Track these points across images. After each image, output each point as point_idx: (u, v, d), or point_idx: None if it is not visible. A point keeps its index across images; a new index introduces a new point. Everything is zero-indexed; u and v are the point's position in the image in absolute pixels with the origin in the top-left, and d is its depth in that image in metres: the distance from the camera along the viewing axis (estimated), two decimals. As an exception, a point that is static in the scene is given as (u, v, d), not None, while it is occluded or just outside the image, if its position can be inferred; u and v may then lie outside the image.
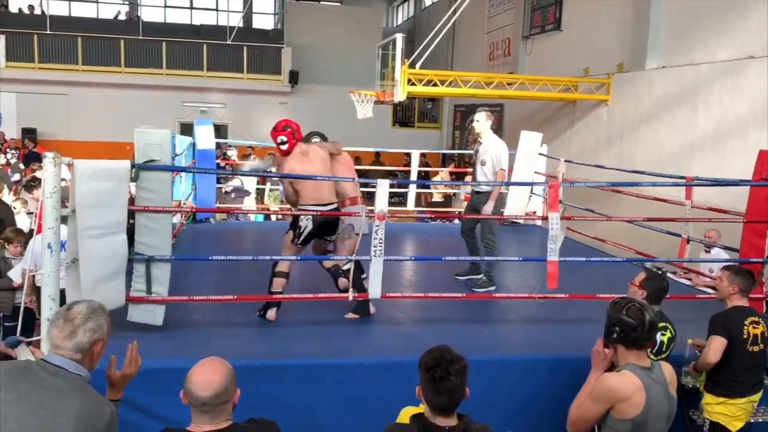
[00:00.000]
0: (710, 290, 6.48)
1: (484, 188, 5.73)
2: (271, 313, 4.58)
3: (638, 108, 10.44)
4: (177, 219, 7.41)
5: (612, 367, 2.86)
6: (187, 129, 14.37)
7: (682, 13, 9.76)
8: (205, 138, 8.05)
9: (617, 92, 11.09)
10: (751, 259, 4.97)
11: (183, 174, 7.59)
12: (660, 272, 3.88)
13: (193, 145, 8.05)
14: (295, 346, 4.10)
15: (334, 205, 4.76)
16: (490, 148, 5.91)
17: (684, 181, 6.28)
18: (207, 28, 21.77)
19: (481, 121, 6.00)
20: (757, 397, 3.84)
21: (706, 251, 6.88)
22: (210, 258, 4.78)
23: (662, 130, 9.86)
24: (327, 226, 4.71)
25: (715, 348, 3.63)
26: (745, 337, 3.66)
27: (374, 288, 4.46)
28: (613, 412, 2.62)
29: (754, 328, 3.69)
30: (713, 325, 3.72)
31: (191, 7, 25.35)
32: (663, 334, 3.55)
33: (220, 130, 17.57)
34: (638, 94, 10.48)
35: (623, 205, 8.61)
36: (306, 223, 4.62)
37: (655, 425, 2.63)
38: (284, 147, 4.70)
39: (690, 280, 6.94)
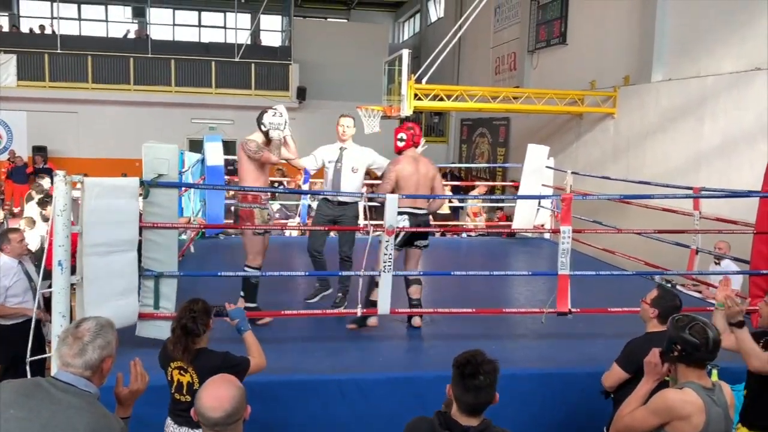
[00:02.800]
0: (721, 303, 6.44)
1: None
2: (373, 320, 4.78)
3: (645, 120, 10.44)
4: (186, 235, 7.44)
5: (664, 382, 2.78)
6: (196, 145, 14.49)
7: (687, 25, 9.78)
8: (215, 154, 8.10)
9: (624, 105, 11.09)
10: (761, 270, 4.94)
11: (192, 190, 7.63)
12: (672, 289, 3.78)
13: (203, 161, 8.10)
14: (304, 362, 4.10)
15: (428, 214, 5.02)
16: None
17: (693, 192, 6.27)
18: (215, 45, 21.98)
19: (351, 126, 5.42)
20: None
21: (716, 263, 6.85)
22: (218, 274, 4.79)
23: (669, 142, 9.84)
24: (420, 231, 4.89)
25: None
26: None
27: (383, 303, 4.46)
28: (669, 428, 2.54)
29: None
30: None
31: (200, 25, 25.61)
32: None
33: (229, 147, 17.68)
34: (644, 106, 10.47)
35: (631, 216, 8.60)
36: (404, 222, 4.76)
37: None
38: (401, 144, 5.00)
39: (700, 292, 6.90)
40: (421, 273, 5.88)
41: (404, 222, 4.78)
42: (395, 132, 5.06)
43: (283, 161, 5.07)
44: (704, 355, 2.57)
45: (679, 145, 9.59)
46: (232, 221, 5.29)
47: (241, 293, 4.80)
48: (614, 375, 3.29)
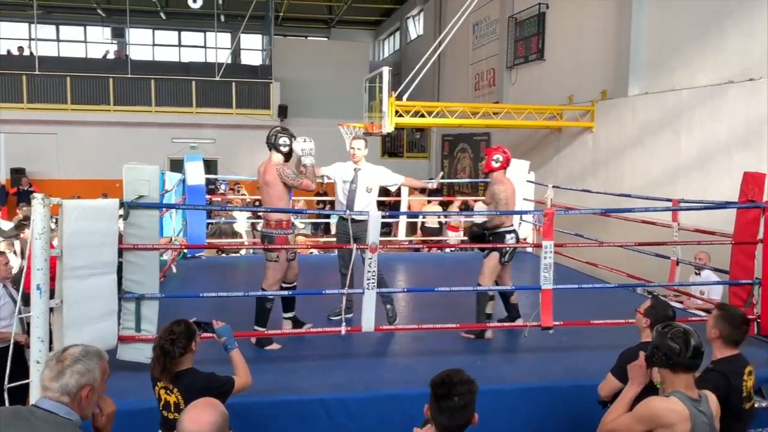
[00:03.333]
0: (702, 313, 6.51)
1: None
2: (489, 333, 5.09)
3: (623, 134, 10.58)
4: (168, 255, 7.38)
5: (651, 387, 2.82)
6: (177, 165, 14.41)
7: (662, 40, 9.97)
8: (195, 174, 8.07)
9: (601, 119, 11.24)
10: (740, 280, 5.01)
11: (173, 210, 7.58)
12: (665, 300, 3.79)
13: (184, 181, 8.06)
14: (288, 382, 4.07)
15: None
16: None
17: (672, 204, 6.36)
18: (195, 65, 21.98)
19: (363, 149, 5.59)
20: None
21: (697, 273, 6.92)
22: (201, 295, 4.75)
23: (647, 155, 9.98)
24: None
25: None
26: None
27: (368, 321, 4.45)
28: None
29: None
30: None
31: (179, 45, 25.61)
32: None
33: (210, 166, 17.62)
34: (622, 120, 10.62)
35: (611, 229, 8.68)
36: (512, 240, 5.22)
37: None
38: (496, 165, 5.35)
39: (681, 303, 6.97)
40: (405, 290, 5.88)
41: (512, 239, 5.25)
42: (489, 153, 5.41)
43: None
44: (685, 360, 2.60)
45: (657, 157, 9.72)
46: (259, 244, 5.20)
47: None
48: (609, 384, 3.33)
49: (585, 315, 5.10)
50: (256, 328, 4.73)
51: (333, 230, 10.84)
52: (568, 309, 5.07)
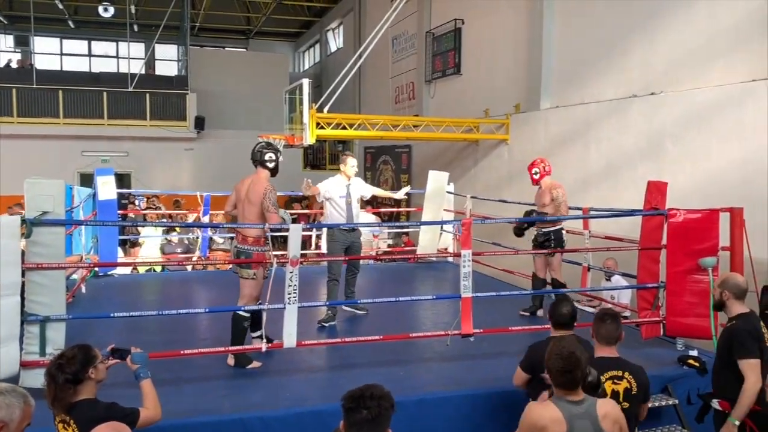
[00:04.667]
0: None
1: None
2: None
3: (536, 146, 10.95)
4: (78, 274, 7.02)
5: None
6: (87, 179, 13.77)
7: (571, 55, 10.43)
8: (107, 188, 7.72)
9: (516, 131, 11.61)
10: (647, 284, 5.26)
11: (83, 227, 7.22)
12: (564, 298, 3.97)
13: (94, 195, 7.70)
14: (205, 402, 3.94)
15: None
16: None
17: (583, 213, 6.63)
18: (106, 75, 21.16)
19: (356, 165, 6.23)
20: None
21: (607, 279, 7.23)
22: (111, 315, 4.53)
23: (559, 166, 10.31)
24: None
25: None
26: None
27: (289, 336, 4.38)
28: None
29: (615, 384, 3.32)
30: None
31: (90, 55, 24.60)
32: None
33: (123, 180, 16.95)
34: (535, 132, 11.01)
35: (527, 237, 8.93)
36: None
37: None
38: (536, 177, 6.37)
39: (595, 308, 7.25)
40: (328, 303, 5.84)
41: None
42: (530, 167, 6.44)
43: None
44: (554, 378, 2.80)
45: (569, 168, 10.11)
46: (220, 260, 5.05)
47: None
48: (519, 376, 3.79)
49: (503, 322, 5.23)
50: (231, 347, 4.52)
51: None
52: (488, 316, 5.18)
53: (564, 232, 6.27)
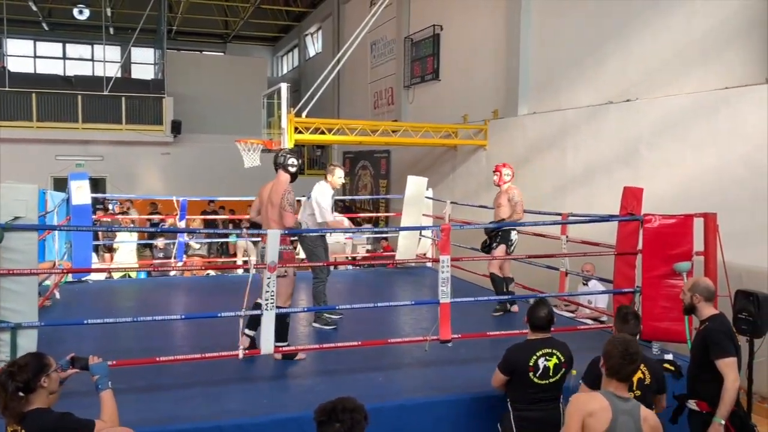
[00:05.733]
0: (590, 321, 6.87)
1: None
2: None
3: (514, 151, 11.03)
4: (51, 280, 6.90)
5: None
6: (61, 184, 13.56)
7: (548, 62, 10.53)
8: (81, 193, 7.60)
9: (494, 137, 11.69)
10: (623, 289, 5.31)
11: (57, 232, 7.10)
12: (541, 301, 4.01)
13: (68, 200, 7.57)
14: (183, 410, 3.88)
15: None
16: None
17: (561, 218, 6.68)
18: (81, 78, 20.86)
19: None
20: None
21: (584, 284, 7.30)
22: (85, 322, 4.44)
23: (537, 171, 10.45)
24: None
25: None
26: None
27: (266, 342, 4.34)
28: (584, 427, 2.84)
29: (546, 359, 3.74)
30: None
31: (64, 58, 24.28)
32: (548, 360, 3.72)
33: (98, 184, 16.71)
34: (513, 138, 11.09)
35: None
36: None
37: None
38: (507, 179, 6.70)
39: (573, 312, 7.32)
40: (305, 309, 5.81)
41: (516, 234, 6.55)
42: (500, 169, 6.70)
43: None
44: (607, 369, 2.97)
45: (546, 173, 10.21)
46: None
47: None
48: (497, 377, 3.85)
49: (482, 327, 5.24)
50: (276, 344, 4.58)
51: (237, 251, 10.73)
52: (466, 322, 5.18)
53: (514, 233, 6.56)
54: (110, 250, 9.99)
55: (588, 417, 2.84)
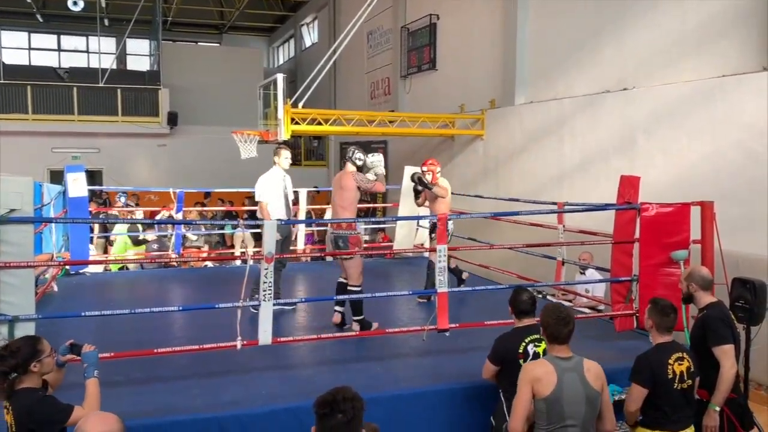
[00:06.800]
0: (588, 310, 6.88)
1: None
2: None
3: (511, 141, 11.03)
4: (48, 273, 6.89)
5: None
6: (58, 176, 13.52)
7: (545, 51, 10.50)
8: (77, 185, 7.58)
9: (491, 127, 11.66)
10: (621, 278, 5.32)
11: (53, 224, 7.09)
12: (524, 289, 4.01)
13: (65, 193, 7.55)
14: (181, 401, 3.88)
15: None
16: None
17: (557, 207, 6.68)
18: (77, 70, 20.76)
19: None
20: None
21: (581, 273, 7.31)
22: (82, 314, 4.44)
23: (534, 161, 10.45)
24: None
25: (634, 398, 3.49)
26: (670, 376, 3.43)
27: (264, 333, 4.34)
28: (534, 393, 3.10)
29: (679, 364, 3.46)
30: (635, 370, 3.52)
31: (59, 50, 24.15)
32: (537, 346, 3.74)
33: (94, 176, 16.67)
34: (510, 128, 11.08)
35: (502, 232, 9.01)
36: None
37: (571, 406, 3.09)
38: (439, 173, 6.89)
39: (570, 301, 7.33)
40: (303, 300, 5.81)
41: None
42: (427, 163, 6.89)
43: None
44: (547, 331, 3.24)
45: (543, 163, 10.20)
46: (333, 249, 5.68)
47: None
48: (487, 368, 3.89)
49: (479, 316, 5.24)
50: (354, 318, 5.40)
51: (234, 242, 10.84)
52: (464, 311, 5.19)
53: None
54: (108, 241, 9.98)
55: (536, 383, 3.11)
